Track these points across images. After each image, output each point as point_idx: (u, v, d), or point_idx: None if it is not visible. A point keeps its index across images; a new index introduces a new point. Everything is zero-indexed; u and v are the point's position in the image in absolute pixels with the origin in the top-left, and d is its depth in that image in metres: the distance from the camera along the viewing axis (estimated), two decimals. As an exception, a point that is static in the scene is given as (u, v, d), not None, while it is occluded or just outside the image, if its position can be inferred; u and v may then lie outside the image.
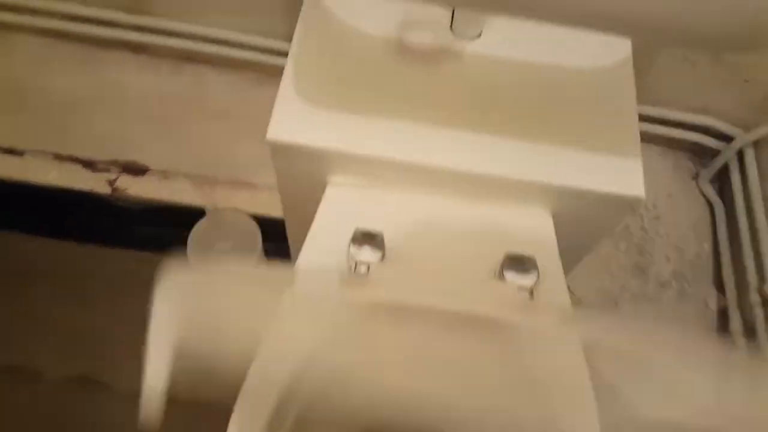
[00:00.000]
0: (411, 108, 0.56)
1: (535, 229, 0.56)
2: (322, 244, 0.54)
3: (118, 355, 0.84)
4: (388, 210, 0.56)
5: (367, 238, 0.51)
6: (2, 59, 0.87)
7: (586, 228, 0.60)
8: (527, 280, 0.50)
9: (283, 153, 0.55)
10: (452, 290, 0.48)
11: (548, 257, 0.54)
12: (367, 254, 0.50)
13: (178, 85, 0.86)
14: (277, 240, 0.77)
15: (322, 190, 0.57)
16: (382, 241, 0.51)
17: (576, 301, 0.82)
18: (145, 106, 0.87)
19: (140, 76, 0.86)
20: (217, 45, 0.81)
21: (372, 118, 0.55)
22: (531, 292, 0.49)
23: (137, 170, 0.87)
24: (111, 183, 0.86)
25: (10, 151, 0.87)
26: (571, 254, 0.63)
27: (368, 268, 0.49)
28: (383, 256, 0.51)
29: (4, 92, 0.87)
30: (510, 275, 0.51)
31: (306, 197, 0.59)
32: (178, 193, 0.86)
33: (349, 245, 0.50)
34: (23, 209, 0.90)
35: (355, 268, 0.49)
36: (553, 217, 0.57)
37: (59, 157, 0.87)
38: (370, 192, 0.57)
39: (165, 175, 0.87)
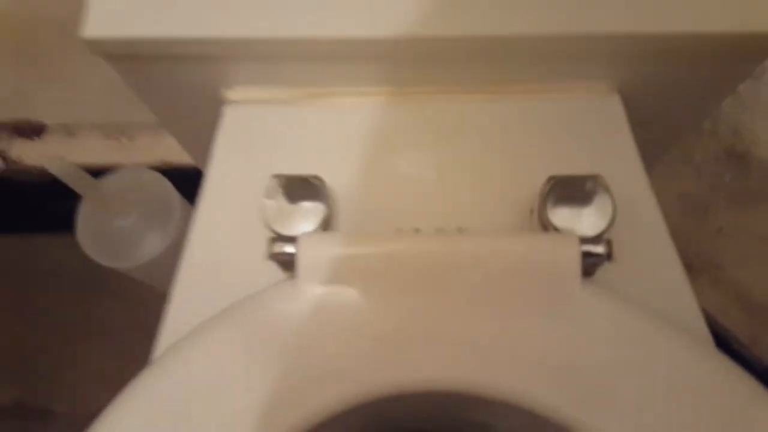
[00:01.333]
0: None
1: (592, 123, 0.32)
2: (222, 213, 0.31)
3: (54, 373, 0.66)
4: (327, 134, 0.32)
5: (295, 190, 0.28)
6: None
7: (674, 105, 0.35)
8: (597, 223, 0.27)
9: (124, 58, 0.31)
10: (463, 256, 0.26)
11: (624, 170, 0.30)
12: (299, 222, 0.28)
13: (49, 3, 0.61)
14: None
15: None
16: (325, 193, 0.28)
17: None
18: (14, 41, 0.63)
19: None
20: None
21: None
22: (609, 247, 0.26)
23: (32, 130, 0.65)
24: (1, 153, 0.64)
25: None
26: (650, 151, 0.38)
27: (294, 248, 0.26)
28: (325, 222, 0.28)
29: None
30: (560, 217, 0.27)
31: (201, 128, 0.36)
32: (90, 150, 0.64)
33: (265, 209, 0.28)
34: None
35: (278, 249, 0.27)
36: (622, 95, 0.32)
37: (-72, 131, 0.65)
38: (291, 108, 0.33)
39: (68, 130, 0.65)
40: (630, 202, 0.29)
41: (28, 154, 0.64)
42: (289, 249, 0.26)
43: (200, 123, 0.35)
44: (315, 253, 0.26)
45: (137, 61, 0.31)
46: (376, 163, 0.32)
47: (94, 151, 0.64)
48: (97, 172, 0.64)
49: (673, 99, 0.33)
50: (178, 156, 0.61)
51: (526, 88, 0.32)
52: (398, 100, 0.33)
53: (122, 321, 0.66)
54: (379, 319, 0.25)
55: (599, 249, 0.26)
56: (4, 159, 0.64)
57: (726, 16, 0.29)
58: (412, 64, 0.31)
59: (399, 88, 0.33)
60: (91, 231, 0.48)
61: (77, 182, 0.43)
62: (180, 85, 0.33)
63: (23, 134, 0.65)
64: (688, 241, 0.59)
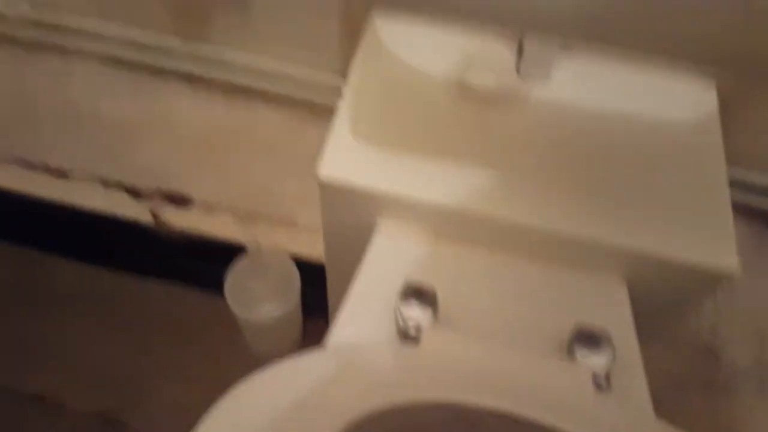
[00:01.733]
0: (471, 154, 0.51)
1: (607, 298, 0.50)
2: (368, 294, 0.48)
3: (141, 394, 0.80)
4: (443, 264, 0.51)
5: (418, 293, 0.46)
6: (60, 82, 0.87)
7: (663, 302, 0.53)
8: (600, 360, 0.44)
9: (332, 192, 0.50)
10: (514, 368, 0.42)
11: (623, 333, 0.47)
12: (417, 312, 0.45)
13: (229, 117, 0.84)
14: (313, 284, 0.72)
15: (370, 234, 0.52)
16: (435, 298, 0.46)
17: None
18: (194, 137, 0.85)
19: (192, 107, 0.84)
20: (271, 80, 0.79)
21: (429, 161, 0.50)
22: (607, 377, 0.42)
23: (181, 201, 0.85)
24: (154, 212, 0.84)
25: (58, 173, 0.86)
26: (643, 332, 0.55)
27: (418, 328, 0.43)
28: (435, 316, 0.45)
29: (58, 114, 0.88)
30: (581, 352, 0.44)
31: (352, 241, 0.54)
32: (220, 227, 0.83)
33: (398, 299, 0.45)
34: (64, 233, 0.88)
35: (404, 325, 0.44)
36: (628, 286, 0.50)
37: (105, 183, 0.85)
38: (423, 242, 0.51)
39: (208, 207, 0.84)
40: (623, 351, 0.46)
41: (174, 218, 0.84)
42: (413, 333, 0.44)
43: (354, 236, 0.53)
44: (434, 337, 0.43)
45: (337, 193, 0.50)
46: (463, 287, 0.49)
47: (223, 227, 0.83)
48: (222, 244, 0.83)
49: (664, 293, 0.51)
50: (286, 245, 0.80)
51: (569, 266, 0.50)
52: (486, 253, 0.51)
53: (208, 368, 0.80)
54: (457, 368, 0.41)
55: (602, 379, 0.42)
56: (155, 218, 0.83)
57: (699, 252, 0.47)
58: (497, 235, 0.50)
59: (488, 247, 0.51)
60: (234, 285, 0.66)
61: (253, 246, 0.61)
62: (354, 210, 0.52)
63: (173, 202, 0.84)
64: (666, 412, 0.73)
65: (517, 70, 0.55)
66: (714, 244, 0.48)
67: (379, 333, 0.46)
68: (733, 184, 0.75)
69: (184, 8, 0.75)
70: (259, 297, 0.66)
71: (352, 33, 0.70)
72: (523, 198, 0.49)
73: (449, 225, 0.51)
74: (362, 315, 0.47)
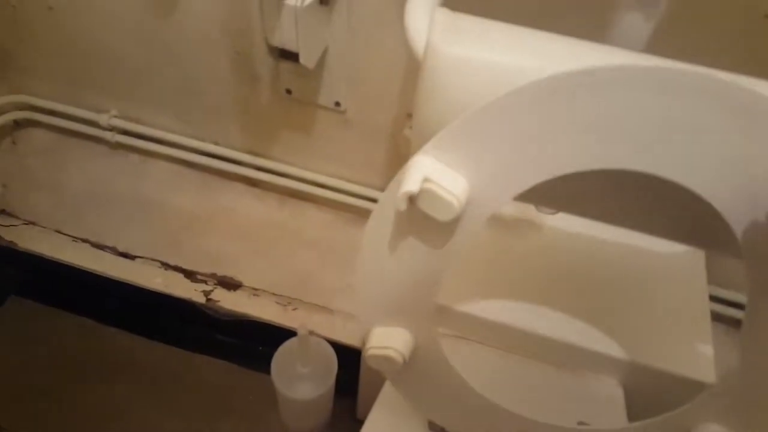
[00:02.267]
0: (491, 269, 0.63)
1: (605, 398, 0.60)
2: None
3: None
4: (469, 361, 0.61)
5: None
6: (136, 177, 1.01)
7: (653, 403, 0.63)
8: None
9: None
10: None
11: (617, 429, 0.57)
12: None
13: (281, 215, 0.97)
14: (342, 366, 0.81)
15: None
16: None
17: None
18: (249, 230, 0.98)
19: (250, 205, 0.97)
20: (319, 188, 0.92)
21: (456, 278, 0.62)
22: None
23: (231, 285, 0.96)
24: (206, 294, 0.95)
25: (125, 255, 0.99)
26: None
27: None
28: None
29: (131, 205, 1.01)
30: (583, 446, 0.54)
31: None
32: (265, 310, 0.94)
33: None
34: (125, 307, 1.00)
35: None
36: (624, 389, 0.60)
37: (166, 266, 0.97)
38: (452, 344, 0.62)
39: (255, 292, 0.95)
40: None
41: (223, 299, 0.95)
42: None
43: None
44: None
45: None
46: (487, 382, 0.60)
47: (265, 310, 0.93)
48: (263, 326, 0.93)
49: (654, 396, 0.61)
50: (322, 329, 0.90)
51: (576, 370, 0.61)
52: (514, 358, 0.62)
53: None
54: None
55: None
56: (207, 298, 0.95)
57: (684, 365, 0.57)
58: (517, 341, 0.61)
59: (511, 350, 0.62)
60: (280, 364, 0.76)
61: (303, 331, 0.72)
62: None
63: (224, 285, 0.96)
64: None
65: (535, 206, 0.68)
66: (696, 359, 0.59)
67: (411, 428, 0.56)
68: (723, 301, 0.86)
69: (256, 132, 0.90)
70: (301, 377, 0.76)
71: (398, 157, 0.83)
72: (535, 310, 0.60)
73: (476, 331, 0.62)
74: (395, 408, 0.58)
